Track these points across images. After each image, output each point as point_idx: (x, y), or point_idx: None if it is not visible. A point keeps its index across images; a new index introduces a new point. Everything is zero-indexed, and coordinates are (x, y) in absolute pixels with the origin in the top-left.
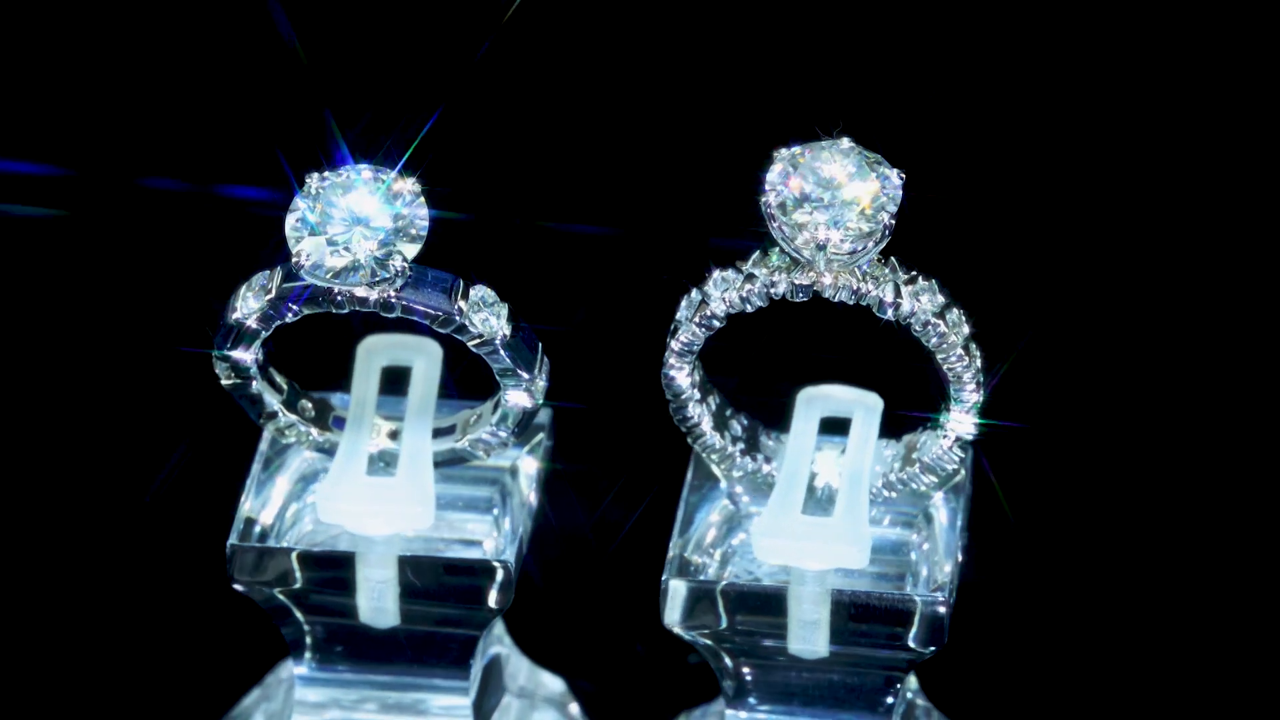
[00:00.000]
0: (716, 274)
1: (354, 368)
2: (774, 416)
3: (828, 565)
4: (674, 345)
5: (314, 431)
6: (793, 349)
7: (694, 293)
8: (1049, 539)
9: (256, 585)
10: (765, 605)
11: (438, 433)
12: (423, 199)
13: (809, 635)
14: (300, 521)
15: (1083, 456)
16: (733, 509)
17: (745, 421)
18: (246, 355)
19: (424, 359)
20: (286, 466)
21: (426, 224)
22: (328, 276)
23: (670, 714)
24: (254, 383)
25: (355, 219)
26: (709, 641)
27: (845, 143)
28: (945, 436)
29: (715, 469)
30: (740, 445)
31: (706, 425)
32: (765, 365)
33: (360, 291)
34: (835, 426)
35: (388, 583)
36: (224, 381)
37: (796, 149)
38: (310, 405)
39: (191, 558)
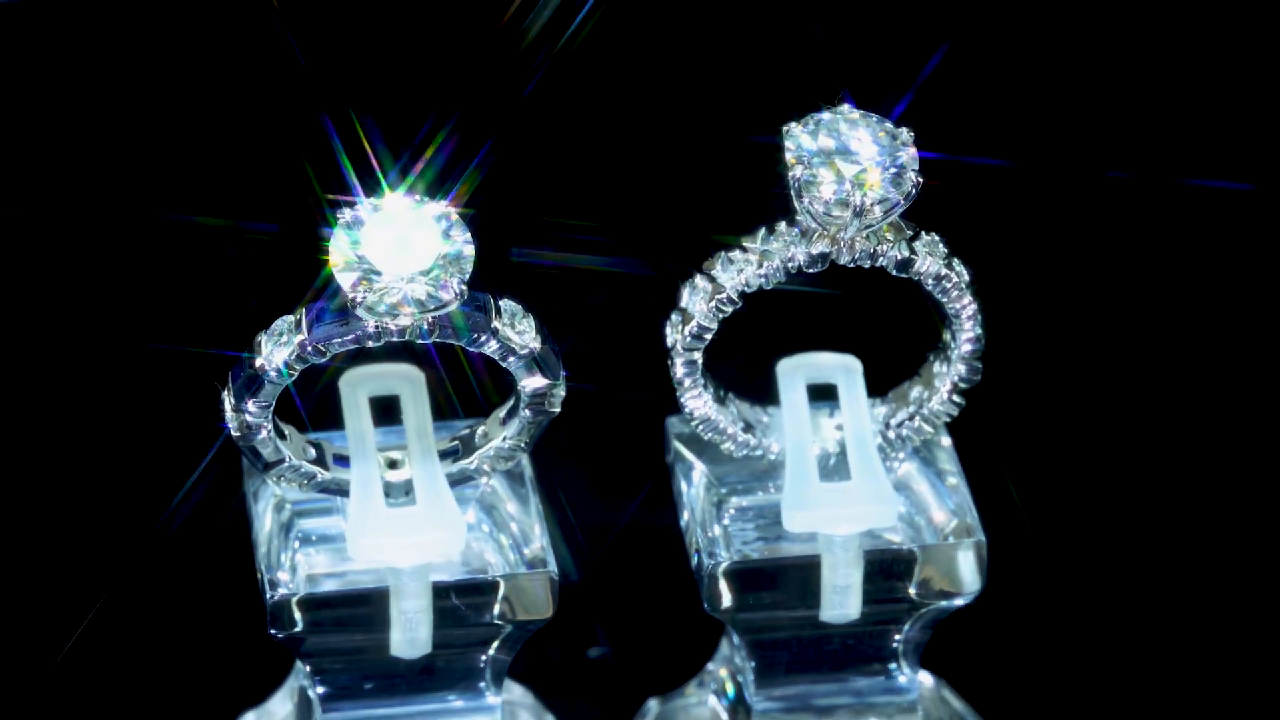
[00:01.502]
0: (721, 256)
1: (342, 403)
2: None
3: (861, 528)
4: (686, 333)
5: (319, 473)
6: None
7: (698, 279)
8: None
9: (298, 634)
10: (801, 576)
11: (440, 455)
12: (461, 220)
13: (841, 600)
14: (328, 561)
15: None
16: (721, 489)
17: (737, 400)
18: (264, 404)
19: (408, 385)
20: (284, 507)
21: (472, 245)
22: (387, 310)
23: (635, 704)
24: (265, 431)
25: (400, 247)
26: (742, 621)
27: (847, 108)
28: (944, 385)
29: (685, 452)
30: (740, 424)
31: (712, 410)
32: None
33: (402, 321)
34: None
35: (422, 613)
36: (234, 433)
37: (806, 121)
38: (310, 447)
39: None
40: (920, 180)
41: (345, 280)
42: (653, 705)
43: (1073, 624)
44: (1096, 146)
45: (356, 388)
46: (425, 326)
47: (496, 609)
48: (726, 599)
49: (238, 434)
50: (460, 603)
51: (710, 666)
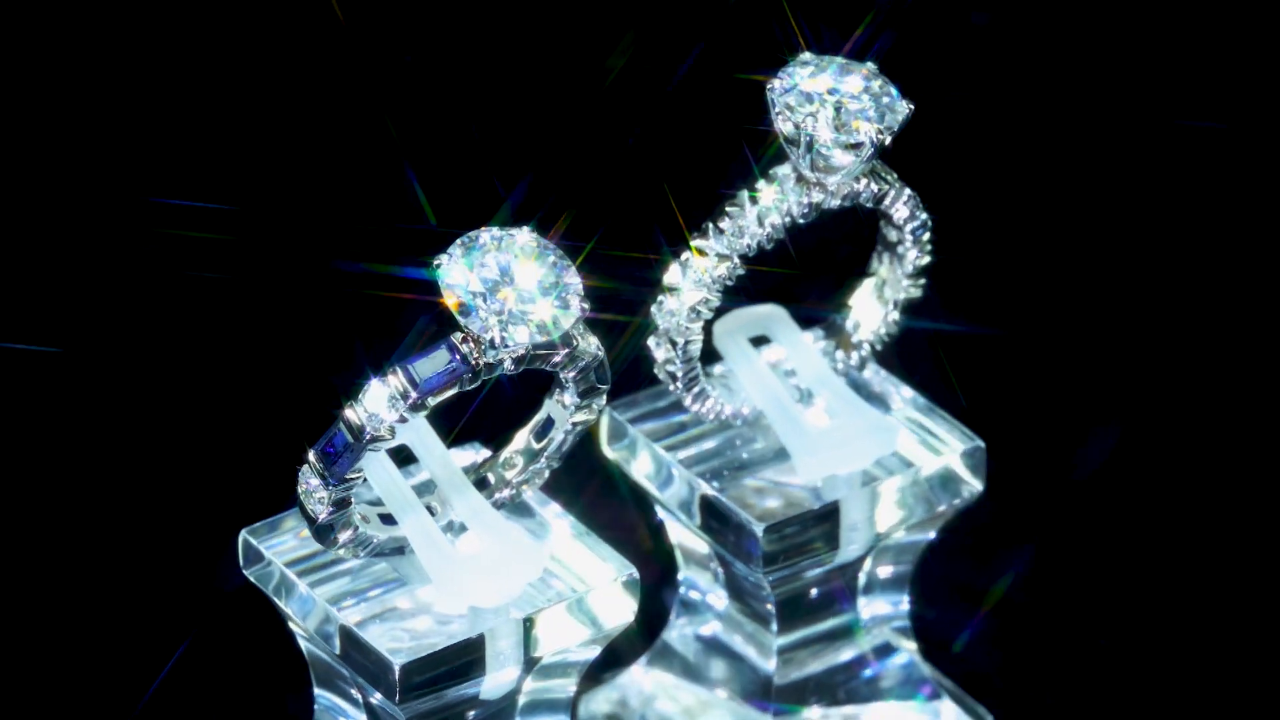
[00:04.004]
0: (710, 227)
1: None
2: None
3: (871, 460)
4: (692, 308)
5: (376, 537)
6: None
7: (687, 256)
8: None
9: (424, 694)
10: (835, 519)
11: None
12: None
13: (854, 537)
14: (413, 615)
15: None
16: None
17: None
18: (356, 474)
19: (412, 430)
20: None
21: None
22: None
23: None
24: (353, 503)
25: (512, 276)
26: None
27: (809, 55)
28: (886, 307)
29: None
30: (717, 392)
31: (701, 384)
32: None
33: (515, 350)
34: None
35: (511, 649)
36: (318, 509)
37: (783, 75)
38: (363, 512)
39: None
40: (911, 105)
41: (473, 321)
42: (581, 703)
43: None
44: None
45: None
46: (519, 356)
47: (583, 625)
48: (779, 556)
49: (316, 508)
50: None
51: (667, 640)
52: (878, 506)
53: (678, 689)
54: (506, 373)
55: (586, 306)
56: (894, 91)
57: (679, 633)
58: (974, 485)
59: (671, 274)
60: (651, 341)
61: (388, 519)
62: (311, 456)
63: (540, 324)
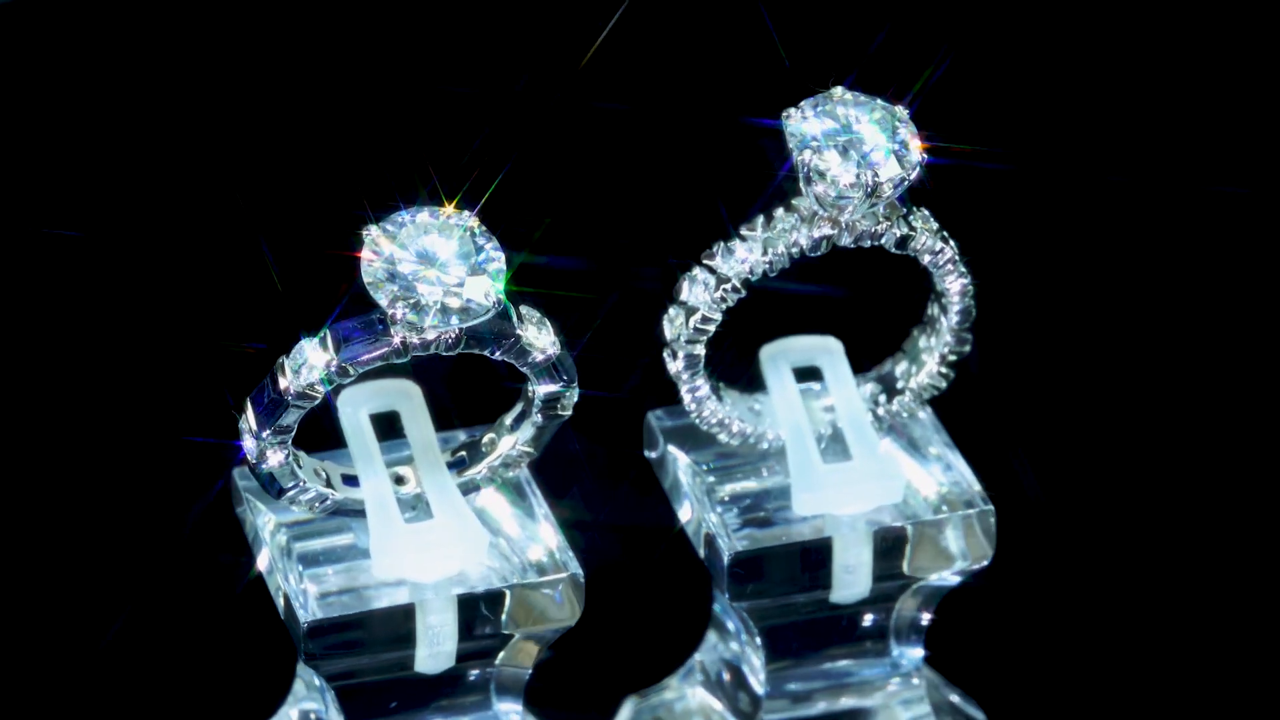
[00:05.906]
0: (721, 246)
1: (341, 423)
2: None
3: (870, 506)
4: (690, 325)
5: (331, 495)
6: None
7: (698, 271)
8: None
9: (334, 657)
10: (815, 558)
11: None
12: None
13: (851, 580)
14: (352, 579)
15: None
16: (710, 478)
17: (729, 390)
18: (286, 429)
19: (406, 400)
20: (279, 530)
21: (502, 253)
22: (424, 324)
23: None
24: (286, 456)
25: (432, 259)
26: (758, 608)
27: (840, 90)
28: (932, 358)
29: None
30: (736, 413)
31: (714, 403)
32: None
33: (433, 335)
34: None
35: (447, 627)
36: (253, 460)
37: (803, 106)
38: (319, 470)
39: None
40: (925, 155)
41: (382, 296)
42: (631, 704)
43: (1071, 610)
44: (1095, 147)
45: (356, 407)
46: (453, 338)
47: (521, 616)
48: (748, 586)
49: (257, 461)
50: (490, 614)
51: (698, 658)
52: (878, 552)
53: (712, 710)
54: (443, 355)
55: (503, 299)
56: (909, 140)
57: (708, 651)
58: (983, 546)
59: (679, 289)
60: (666, 354)
61: (351, 480)
62: (247, 409)
63: (452, 310)
